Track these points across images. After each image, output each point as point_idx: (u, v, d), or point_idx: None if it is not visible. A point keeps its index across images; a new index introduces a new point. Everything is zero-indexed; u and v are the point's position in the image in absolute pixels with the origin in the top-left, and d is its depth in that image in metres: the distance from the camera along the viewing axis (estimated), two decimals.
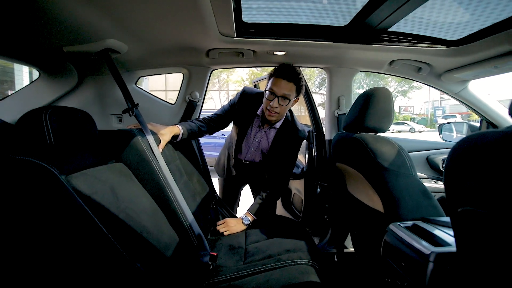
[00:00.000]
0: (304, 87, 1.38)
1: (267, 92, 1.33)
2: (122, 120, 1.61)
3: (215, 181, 1.82)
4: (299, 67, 1.43)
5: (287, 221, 1.57)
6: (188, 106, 1.66)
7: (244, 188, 1.89)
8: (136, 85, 1.66)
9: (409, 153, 1.02)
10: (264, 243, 1.25)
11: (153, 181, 1.06)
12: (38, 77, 1.43)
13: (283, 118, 1.48)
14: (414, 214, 0.90)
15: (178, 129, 1.37)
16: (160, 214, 1.04)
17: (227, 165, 1.68)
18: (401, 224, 0.86)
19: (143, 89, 1.72)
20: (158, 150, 1.15)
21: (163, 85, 17.44)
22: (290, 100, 1.32)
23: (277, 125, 1.47)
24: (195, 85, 1.64)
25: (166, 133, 1.31)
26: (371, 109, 1.09)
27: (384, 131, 1.12)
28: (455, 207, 0.49)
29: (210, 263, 1.07)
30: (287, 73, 1.29)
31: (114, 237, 0.71)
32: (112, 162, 1.02)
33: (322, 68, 1.70)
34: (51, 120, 0.76)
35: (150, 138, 1.14)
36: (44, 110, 0.76)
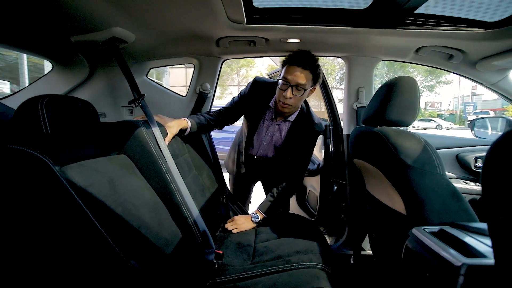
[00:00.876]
0: (321, 76, 1.27)
1: (280, 81, 1.23)
2: (133, 112, 1.60)
3: (227, 176, 1.77)
4: (316, 56, 1.33)
5: (300, 219, 1.49)
6: (199, 98, 1.61)
7: (257, 184, 1.82)
8: (147, 76, 1.64)
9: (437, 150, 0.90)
10: (274, 243, 1.19)
11: (156, 174, 1.02)
12: (52, 69, 1.44)
13: (298, 110, 1.38)
14: (442, 218, 0.79)
15: (186, 123, 1.32)
16: (162, 209, 1.00)
17: (237, 162, 1.61)
18: (425, 229, 0.75)
19: (155, 80, 1.70)
20: (163, 143, 1.10)
21: (184, 80, 17.79)
22: (305, 90, 1.21)
23: (291, 118, 1.38)
24: (206, 76, 1.59)
25: (173, 126, 1.26)
26: (393, 100, 0.98)
27: (407, 125, 1.01)
28: (495, 214, 0.40)
29: (215, 261, 1.02)
30: (302, 60, 1.18)
31: (108, 232, 0.67)
32: (115, 154, 0.99)
33: (340, 57, 1.58)
34: (47, 109, 0.73)
35: (156, 130, 1.10)
36: (41, 98, 0.74)
